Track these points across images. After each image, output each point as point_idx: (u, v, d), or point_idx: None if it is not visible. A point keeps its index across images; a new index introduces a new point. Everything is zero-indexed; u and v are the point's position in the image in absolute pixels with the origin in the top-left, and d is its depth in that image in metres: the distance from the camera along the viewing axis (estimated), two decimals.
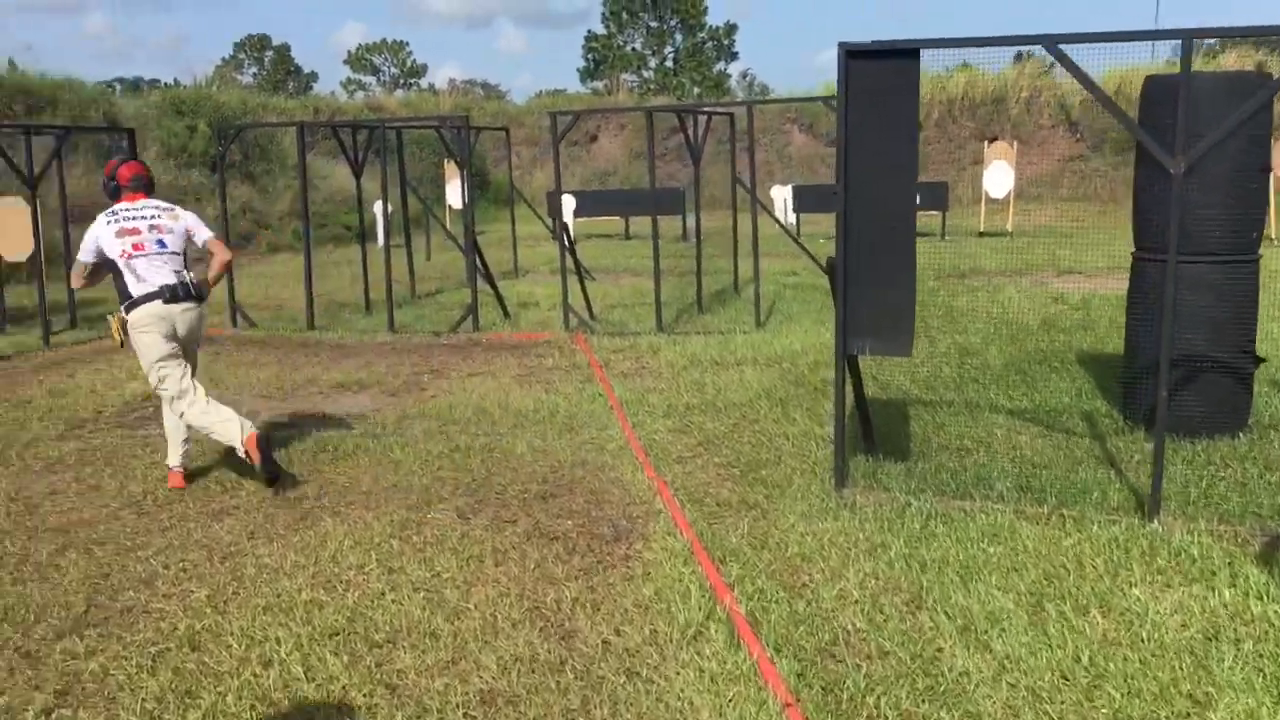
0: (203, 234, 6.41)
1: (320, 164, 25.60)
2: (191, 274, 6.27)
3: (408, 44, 78.17)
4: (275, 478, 6.04)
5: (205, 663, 3.99)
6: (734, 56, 70.87)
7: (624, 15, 68.63)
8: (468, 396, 8.23)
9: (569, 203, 22.39)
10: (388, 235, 11.85)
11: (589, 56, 67.74)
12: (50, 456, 6.94)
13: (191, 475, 6.32)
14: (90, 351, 10.70)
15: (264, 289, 15.52)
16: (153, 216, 6.25)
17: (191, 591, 4.66)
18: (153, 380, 6.19)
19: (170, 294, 6.09)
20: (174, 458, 6.32)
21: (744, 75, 73.26)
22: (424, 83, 73.81)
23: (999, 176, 19.72)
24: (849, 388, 5.66)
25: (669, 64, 67.42)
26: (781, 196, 21.96)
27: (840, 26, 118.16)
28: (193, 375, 6.26)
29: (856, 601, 4.31)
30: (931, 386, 7.80)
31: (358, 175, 12.51)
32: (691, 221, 21.99)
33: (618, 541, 5.11)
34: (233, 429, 6.02)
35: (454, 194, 24.87)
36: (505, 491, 5.91)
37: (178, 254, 6.26)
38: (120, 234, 6.13)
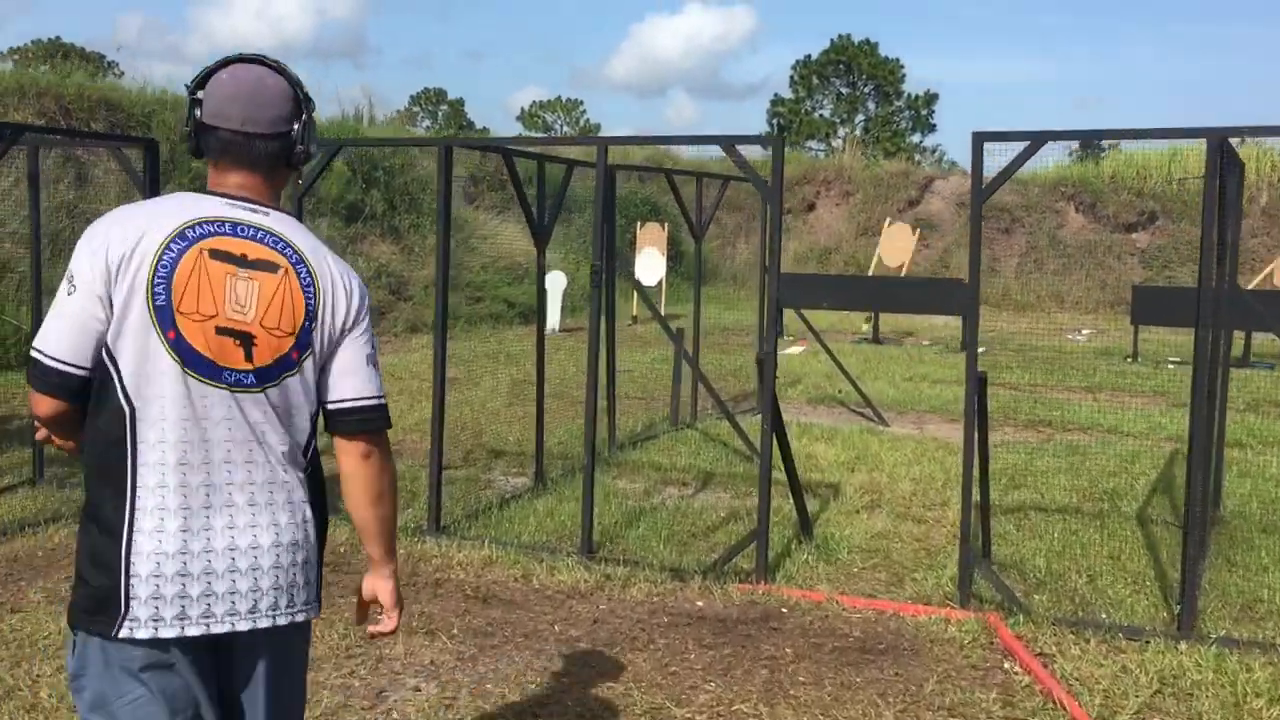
0: None
1: (485, 220, 20.57)
2: None
3: (582, 102, 74.07)
4: None
5: None
6: (931, 129, 64.51)
7: (813, 80, 63.51)
8: None
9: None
10: (612, 317, 6.27)
11: (774, 121, 62.58)
12: None
13: None
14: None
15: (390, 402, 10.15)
16: None
17: None
18: None
19: None
20: None
21: (932, 151, 66.69)
22: None
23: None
24: None
25: (858, 133, 61.68)
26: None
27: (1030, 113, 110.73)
28: None
29: None
30: None
31: (539, 228, 7.05)
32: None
33: None
34: None
35: (645, 268, 19.47)
36: None
37: None
38: None
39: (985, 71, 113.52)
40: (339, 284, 2.27)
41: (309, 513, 2.28)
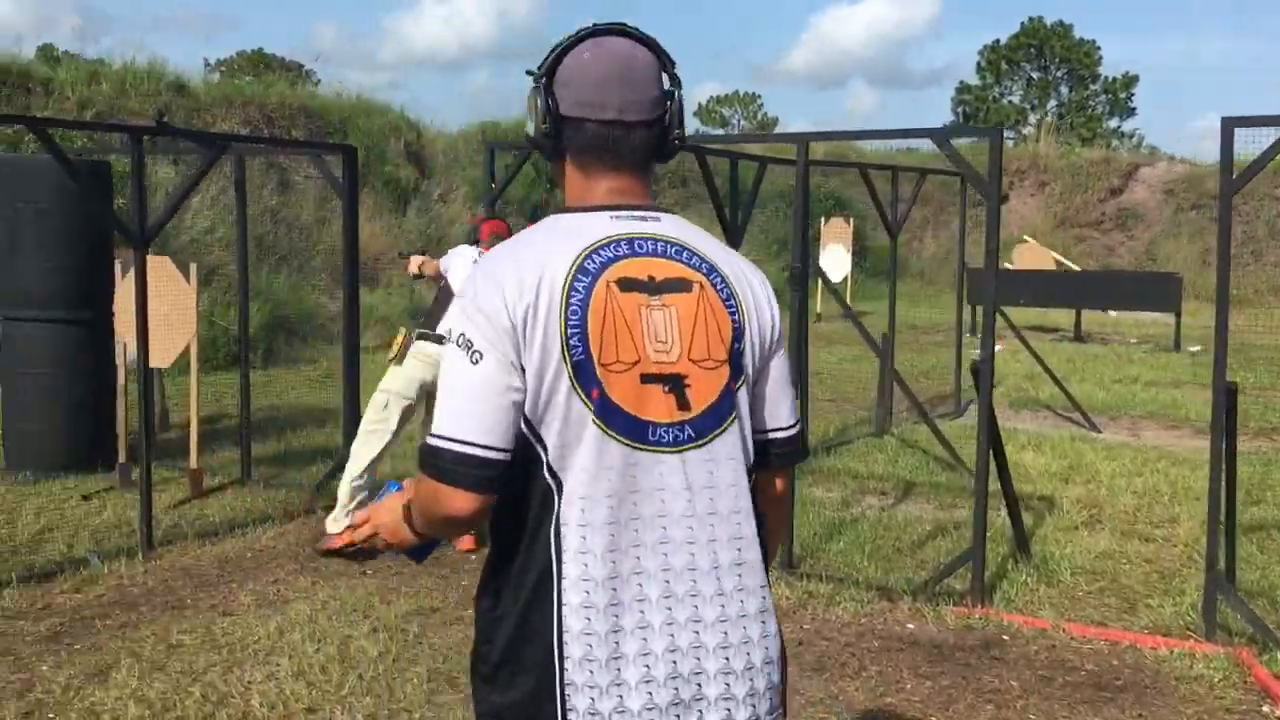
0: None
1: None
2: None
3: (760, 96, 73.29)
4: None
5: None
6: (1131, 113, 61.13)
7: (1002, 65, 61.12)
8: None
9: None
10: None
11: (959, 110, 60.58)
12: None
13: None
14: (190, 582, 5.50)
15: None
16: None
17: None
18: (379, 403, 5.60)
19: None
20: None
21: (1130, 135, 63.22)
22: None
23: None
24: None
25: (1050, 118, 59.08)
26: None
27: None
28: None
29: None
30: None
31: (733, 227, 6.83)
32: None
33: None
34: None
35: (830, 264, 19.00)
36: None
37: None
38: None
39: (1183, 51, 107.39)
40: (760, 293, 1.85)
41: (768, 598, 1.80)
